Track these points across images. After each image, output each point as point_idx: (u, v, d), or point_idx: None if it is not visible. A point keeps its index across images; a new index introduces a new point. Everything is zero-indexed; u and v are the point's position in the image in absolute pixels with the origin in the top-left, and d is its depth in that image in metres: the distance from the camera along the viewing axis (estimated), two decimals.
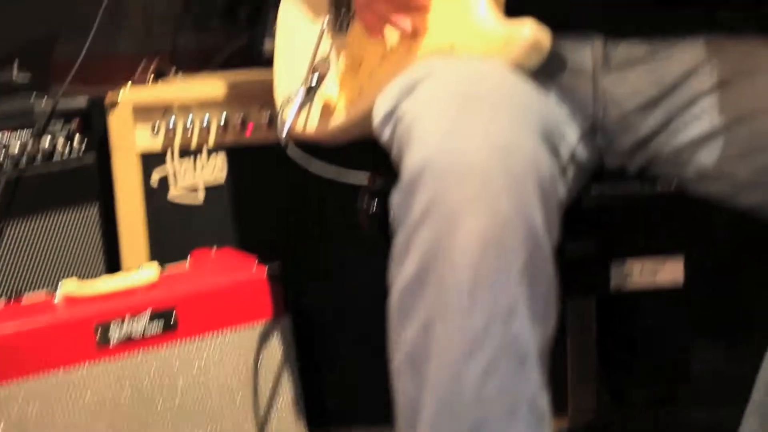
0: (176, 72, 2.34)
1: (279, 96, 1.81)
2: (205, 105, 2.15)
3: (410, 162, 1.31)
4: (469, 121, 1.32)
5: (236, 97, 2.15)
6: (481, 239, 1.25)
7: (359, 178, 1.62)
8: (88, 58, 2.22)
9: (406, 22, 1.57)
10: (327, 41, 1.74)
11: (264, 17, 2.36)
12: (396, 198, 1.33)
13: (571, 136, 1.54)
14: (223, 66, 2.49)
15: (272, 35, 1.91)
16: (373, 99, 1.58)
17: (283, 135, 1.67)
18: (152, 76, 2.29)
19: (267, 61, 1.93)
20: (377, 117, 1.54)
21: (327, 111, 1.69)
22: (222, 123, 2.15)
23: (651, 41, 1.59)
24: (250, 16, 2.57)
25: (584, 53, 1.58)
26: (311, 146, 1.71)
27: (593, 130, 1.60)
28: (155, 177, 2.15)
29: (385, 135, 1.51)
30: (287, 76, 1.81)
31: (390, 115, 1.50)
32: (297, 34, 1.80)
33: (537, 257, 1.29)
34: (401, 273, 1.30)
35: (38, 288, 2.08)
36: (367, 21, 1.63)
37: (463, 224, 1.25)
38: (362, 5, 1.62)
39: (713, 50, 1.57)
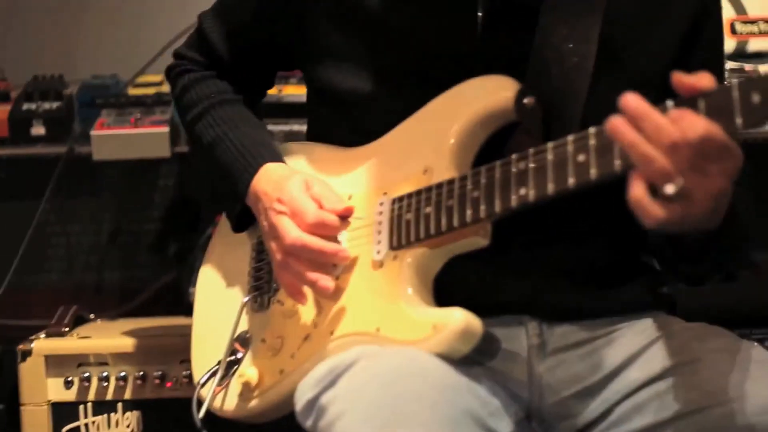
0: (95, 318, 2.23)
1: (196, 363, 1.71)
2: (122, 359, 2.04)
3: None
4: None
5: (156, 350, 2.05)
6: None
7: None
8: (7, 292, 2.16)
9: (325, 280, 1.48)
10: (247, 318, 1.64)
11: (192, 259, 2.27)
12: None
13: (504, 430, 1.44)
14: (148, 303, 2.41)
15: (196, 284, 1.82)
16: (294, 382, 1.48)
17: (200, 416, 1.58)
18: (69, 324, 2.18)
19: (191, 307, 1.83)
20: (299, 403, 1.44)
21: (246, 391, 1.58)
22: (139, 377, 2.03)
23: (590, 323, 1.52)
24: (179, 253, 2.49)
25: (518, 337, 1.50)
26: None
27: (528, 417, 1.50)
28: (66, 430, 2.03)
29: (307, 424, 1.42)
30: (205, 343, 1.71)
31: (312, 403, 1.41)
32: (217, 302, 1.71)
33: None
34: None
35: None
36: (286, 282, 1.53)
37: None
38: (280, 265, 1.53)
39: (656, 335, 1.50)
